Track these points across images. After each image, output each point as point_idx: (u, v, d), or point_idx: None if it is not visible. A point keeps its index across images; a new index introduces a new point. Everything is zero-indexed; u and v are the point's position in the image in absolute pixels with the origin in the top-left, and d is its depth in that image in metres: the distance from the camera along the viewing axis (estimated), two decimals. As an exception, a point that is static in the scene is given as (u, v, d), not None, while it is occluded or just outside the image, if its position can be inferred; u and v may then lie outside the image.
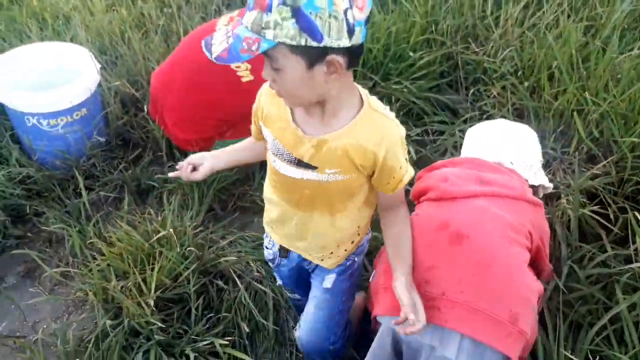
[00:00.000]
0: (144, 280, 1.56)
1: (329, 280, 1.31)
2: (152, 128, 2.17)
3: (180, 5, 2.66)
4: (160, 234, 1.65)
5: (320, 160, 1.06)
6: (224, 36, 0.98)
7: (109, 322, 1.53)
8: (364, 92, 1.06)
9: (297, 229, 1.22)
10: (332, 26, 0.84)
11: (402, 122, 2.10)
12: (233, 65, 1.82)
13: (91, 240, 1.68)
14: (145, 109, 2.16)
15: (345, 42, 0.87)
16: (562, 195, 1.77)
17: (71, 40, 2.51)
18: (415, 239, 1.21)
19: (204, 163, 1.28)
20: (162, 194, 1.98)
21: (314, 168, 1.07)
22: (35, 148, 2.02)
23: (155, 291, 1.54)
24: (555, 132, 1.96)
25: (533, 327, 1.19)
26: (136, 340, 1.56)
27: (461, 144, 2.02)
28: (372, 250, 1.47)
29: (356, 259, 1.31)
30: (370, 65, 2.29)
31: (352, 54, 0.91)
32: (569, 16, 2.32)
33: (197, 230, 1.78)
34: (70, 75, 2.07)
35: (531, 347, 1.26)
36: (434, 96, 2.27)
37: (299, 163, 1.08)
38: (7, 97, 1.97)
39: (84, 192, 1.85)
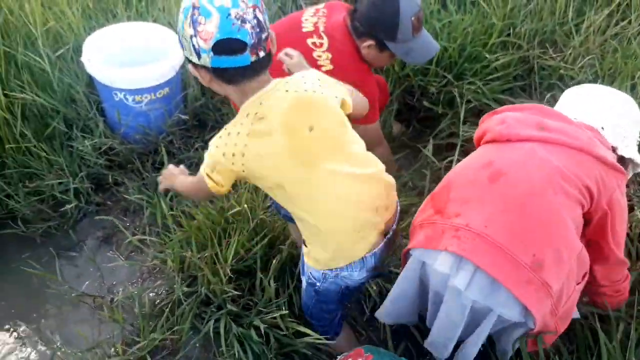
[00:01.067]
0: (220, 251, 1.64)
1: None
2: (227, 111, 2.26)
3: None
4: (235, 210, 1.73)
5: None
6: None
7: (185, 289, 1.62)
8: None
9: None
10: (184, 45, 1.14)
11: (472, 123, 2.14)
12: (315, 54, 1.87)
13: (172, 212, 1.77)
14: (223, 92, 2.25)
15: (195, 60, 1.14)
16: (635, 208, 1.74)
17: (154, 22, 2.62)
18: (458, 176, 1.24)
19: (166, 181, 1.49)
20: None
21: None
22: (121, 122, 2.14)
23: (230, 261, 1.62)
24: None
25: (566, 291, 1.15)
26: (206, 309, 1.65)
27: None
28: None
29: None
30: (444, 64, 2.29)
31: (216, 73, 1.15)
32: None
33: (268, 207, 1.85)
34: (157, 54, 2.17)
35: (567, 323, 1.22)
36: (507, 98, 2.25)
37: None
38: (97, 71, 2.09)
39: (167, 164, 1.93)
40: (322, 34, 1.88)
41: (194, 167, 2.15)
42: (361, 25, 1.83)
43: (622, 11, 2.40)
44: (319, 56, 1.87)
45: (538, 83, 2.31)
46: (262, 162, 1.17)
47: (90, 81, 2.25)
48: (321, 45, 1.87)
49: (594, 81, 2.16)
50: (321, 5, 2.03)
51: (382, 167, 1.32)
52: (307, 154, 1.19)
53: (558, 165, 1.18)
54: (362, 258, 1.27)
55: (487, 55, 2.25)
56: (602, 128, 1.31)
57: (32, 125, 2.14)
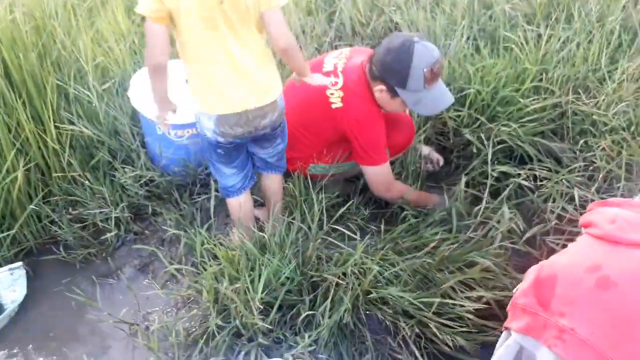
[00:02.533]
0: (252, 282, 1.68)
1: None
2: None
3: (297, 34, 2.85)
4: (265, 241, 1.78)
5: None
6: None
7: (219, 322, 1.66)
8: None
9: None
10: None
11: (503, 164, 2.17)
12: (328, 92, 1.95)
13: (206, 246, 1.83)
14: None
15: None
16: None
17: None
18: (564, 271, 1.19)
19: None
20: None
21: None
22: (162, 155, 2.23)
23: (261, 293, 1.65)
24: (668, 192, 1.91)
25: None
26: (237, 341, 1.68)
27: (566, 193, 2.04)
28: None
29: None
30: (477, 106, 2.34)
31: None
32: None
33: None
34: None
35: None
36: (540, 141, 2.27)
37: None
38: (143, 106, 2.19)
39: (212, 199, 2.00)
40: (339, 73, 1.97)
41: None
42: (376, 69, 1.90)
43: (656, 59, 2.41)
44: (332, 94, 1.95)
45: (571, 128, 2.33)
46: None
47: (135, 115, 2.36)
48: (336, 83, 1.95)
49: (628, 128, 2.17)
50: (347, 49, 2.12)
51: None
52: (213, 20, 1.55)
53: None
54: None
55: (520, 100, 2.29)
56: None
57: (78, 155, 2.25)
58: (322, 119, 2.01)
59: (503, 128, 2.23)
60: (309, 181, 2.04)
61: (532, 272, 1.26)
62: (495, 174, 2.13)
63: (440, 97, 1.95)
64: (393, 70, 1.86)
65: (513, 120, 2.28)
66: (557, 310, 1.16)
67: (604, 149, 2.15)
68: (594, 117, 2.28)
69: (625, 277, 1.13)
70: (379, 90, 1.93)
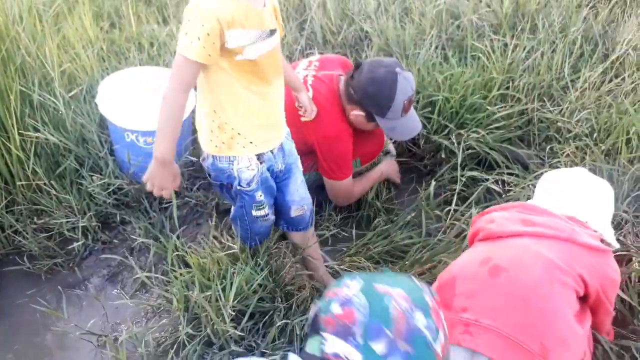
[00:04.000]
0: (224, 289, 1.66)
1: None
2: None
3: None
4: (235, 250, 1.77)
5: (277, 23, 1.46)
6: None
7: (189, 330, 1.63)
8: None
9: (276, 115, 1.56)
10: None
11: (470, 170, 2.21)
12: (297, 104, 1.94)
13: (178, 252, 1.80)
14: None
15: None
16: (634, 258, 1.79)
17: (166, 66, 2.72)
18: (461, 271, 1.35)
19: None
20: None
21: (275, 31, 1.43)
22: (131, 163, 2.19)
23: (233, 301, 1.63)
24: (629, 196, 1.98)
25: None
26: (208, 350, 1.66)
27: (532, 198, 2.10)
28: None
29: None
30: (446, 114, 2.38)
31: None
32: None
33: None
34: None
35: None
36: (507, 147, 2.32)
37: (270, 33, 1.41)
38: (111, 113, 2.16)
39: (174, 208, 1.97)
40: (309, 87, 1.97)
41: (199, 206, 2.20)
42: (355, 93, 1.92)
43: (616, 68, 2.50)
44: (300, 107, 1.95)
45: (537, 135, 2.39)
46: None
47: (102, 122, 2.32)
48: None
49: (590, 135, 2.24)
50: (315, 58, 2.13)
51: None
52: None
53: (550, 257, 1.28)
54: None
55: (488, 107, 2.34)
56: (586, 222, 1.43)
57: (44, 163, 2.19)
58: (292, 131, 2.01)
59: (472, 134, 2.28)
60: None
61: (435, 283, 1.41)
62: (464, 179, 2.18)
63: (413, 124, 2.03)
64: (375, 101, 1.91)
65: (481, 127, 2.33)
66: (459, 307, 1.27)
67: (568, 155, 2.21)
68: (559, 124, 2.35)
69: (511, 262, 1.30)
70: (355, 114, 1.96)
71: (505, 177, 2.19)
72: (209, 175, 1.64)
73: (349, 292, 0.81)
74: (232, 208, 1.72)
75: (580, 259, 1.30)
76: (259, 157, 1.56)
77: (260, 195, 1.61)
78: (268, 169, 1.60)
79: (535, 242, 1.32)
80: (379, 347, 0.76)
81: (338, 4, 3.08)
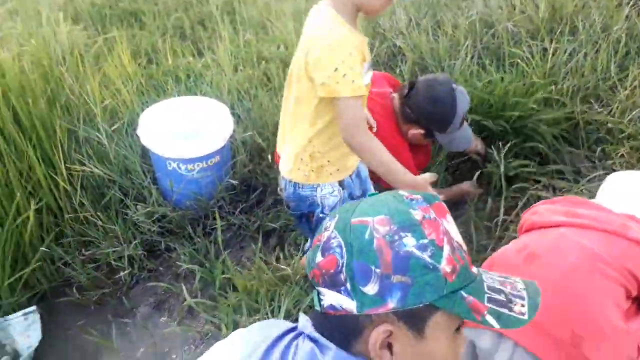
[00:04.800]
0: (272, 312, 1.62)
1: None
2: (274, 175, 2.31)
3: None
4: (285, 272, 1.73)
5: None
6: None
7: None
8: None
9: None
10: None
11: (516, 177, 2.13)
12: None
13: (226, 275, 1.78)
14: (269, 158, 2.31)
15: None
16: None
17: (203, 95, 2.76)
18: (499, 258, 1.32)
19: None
20: (283, 235, 2.08)
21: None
22: (174, 190, 2.21)
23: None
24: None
25: None
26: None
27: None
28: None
29: None
30: (489, 114, 2.31)
31: None
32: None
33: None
34: (207, 125, 2.28)
35: None
36: (557, 146, 2.23)
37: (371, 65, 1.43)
38: (152, 143, 2.19)
39: (219, 232, 1.96)
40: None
41: (242, 229, 2.18)
42: (413, 113, 1.92)
43: (666, 64, 2.38)
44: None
45: (585, 138, 2.28)
46: None
47: (144, 153, 2.36)
48: None
49: (646, 133, 2.13)
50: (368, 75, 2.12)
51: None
52: None
53: (591, 247, 1.21)
54: None
55: (534, 106, 2.27)
56: None
57: (90, 195, 2.23)
58: None
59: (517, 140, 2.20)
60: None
61: None
62: (512, 187, 2.09)
63: (468, 134, 2.05)
64: (437, 119, 1.92)
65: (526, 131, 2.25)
66: None
67: (622, 155, 2.10)
68: (609, 125, 2.24)
69: (547, 249, 1.24)
70: (413, 132, 1.96)
71: (556, 183, 2.09)
72: (288, 206, 1.63)
73: (327, 234, 0.70)
74: (309, 242, 1.70)
75: (630, 255, 1.20)
76: (341, 183, 1.56)
77: None
78: (349, 195, 1.59)
79: (576, 232, 1.25)
80: (370, 288, 0.65)
81: (368, 23, 3.08)
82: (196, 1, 4.19)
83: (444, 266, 0.66)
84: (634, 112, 2.19)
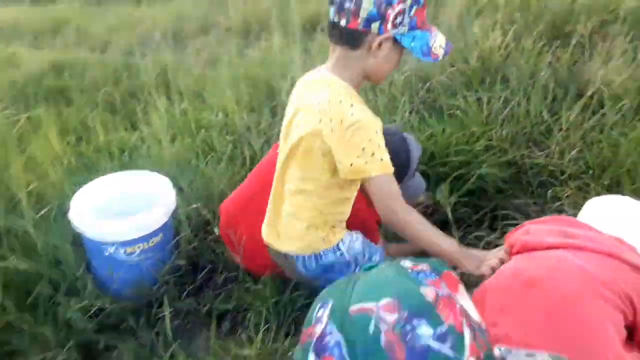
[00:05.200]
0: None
1: None
2: (221, 250, 2.16)
3: (243, 132, 2.79)
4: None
5: None
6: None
7: None
8: None
9: None
10: None
11: (475, 229, 2.10)
12: None
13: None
14: (216, 232, 2.17)
15: None
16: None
17: (139, 170, 2.61)
18: (493, 284, 1.23)
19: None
20: (237, 316, 1.92)
21: None
22: (112, 279, 2.01)
23: None
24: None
25: None
26: None
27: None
28: None
29: None
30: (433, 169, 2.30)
31: None
32: (630, 120, 2.32)
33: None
34: (146, 202, 2.12)
35: None
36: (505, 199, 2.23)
37: None
38: (87, 227, 2.00)
39: (167, 321, 1.77)
40: None
41: (191, 315, 2.00)
42: None
43: (593, 105, 2.48)
44: None
45: (527, 182, 2.31)
46: None
47: (77, 239, 2.15)
48: None
49: (586, 172, 2.17)
50: None
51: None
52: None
53: (591, 270, 1.14)
54: None
55: (476, 158, 2.28)
56: (635, 248, 1.27)
57: (13, 294, 1.98)
58: None
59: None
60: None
61: None
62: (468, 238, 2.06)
63: (421, 182, 2.03)
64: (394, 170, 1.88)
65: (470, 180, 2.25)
66: (489, 322, 1.10)
67: (568, 196, 2.12)
68: (550, 167, 2.28)
69: (547, 274, 1.16)
70: None
71: (507, 229, 2.07)
72: (311, 283, 1.57)
73: (320, 328, 0.58)
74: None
75: (626, 278, 1.14)
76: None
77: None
78: None
79: (575, 255, 1.18)
80: None
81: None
82: (127, 74, 4.09)
83: (468, 353, 0.55)
84: (572, 153, 2.25)
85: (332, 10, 1.31)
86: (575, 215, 1.98)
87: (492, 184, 2.27)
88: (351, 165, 1.28)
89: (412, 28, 1.28)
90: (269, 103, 3.07)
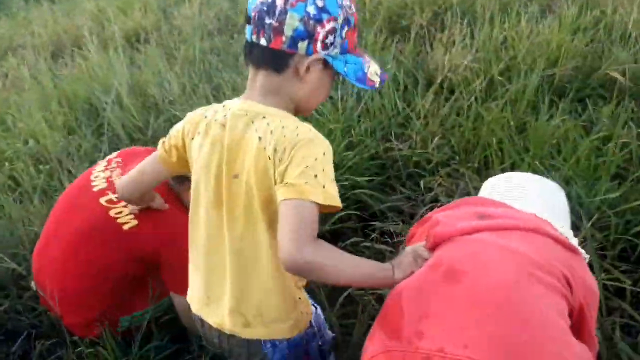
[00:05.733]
0: None
1: None
2: (42, 310, 1.65)
3: (60, 158, 2.26)
4: None
5: None
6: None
7: None
8: None
9: None
10: None
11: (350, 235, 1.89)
12: (112, 212, 1.50)
13: None
14: (33, 286, 1.65)
15: None
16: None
17: None
18: (407, 286, 0.96)
19: None
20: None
21: None
22: None
23: None
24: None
25: None
26: None
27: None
28: None
29: None
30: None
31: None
32: (483, 100, 2.32)
33: None
34: None
35: None
36: (373, 194, 2.05)
37: None
38: None
39: None
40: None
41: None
42: None
43: (445, 92, 2.46)
44: (119, 213, 1.50)
45: (397, 177, 2.18)
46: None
47: None
48: (119, 201, 1.49)
49: (453, 157, 2.10)
50: (114, 155, 1.70)
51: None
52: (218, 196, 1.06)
53: (521, 250, 0.94)
54: None
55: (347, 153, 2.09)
56: (549, 221, 1.09)
57: None
58: (112, 250, 1.49)
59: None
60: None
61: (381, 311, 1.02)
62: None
63: None
64: None
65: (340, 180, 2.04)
66: (412, 333, 0.88)
67: (441, 184, 2.02)
68: (415, 158, 2.17)
69: (472, 261, 0.94)
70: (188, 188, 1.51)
71: (392, 228, 1.90)
72: None
73: None
74: None
75: (557, 255, 0.96)
76: None
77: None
78: None
79: (498, 235, 0.97)
80: None
81: (137, 98, 2.65)
82: None
83: None
84: (434, 140, 2.16)
85: (248, 29, 1.04)
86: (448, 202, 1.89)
87: (360, 184, 2.09)
88: (287, 184, 0.95)
89: (343, 51, 1.04)
90: (92, 123, 2.57)
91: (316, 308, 1.20)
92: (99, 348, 1.43)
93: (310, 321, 1.15)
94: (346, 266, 0.99)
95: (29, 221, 1.90)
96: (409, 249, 1.06)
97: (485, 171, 1.97)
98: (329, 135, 2.25)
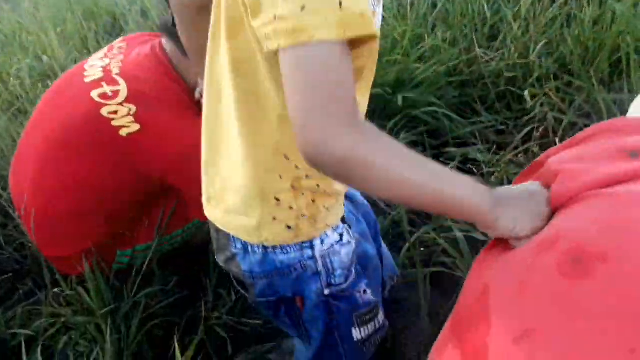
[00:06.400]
0: None
1: None
2: (29, 241, 1.30)
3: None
4: None
5: None
6: None
7: None
8: None
9: None
10: None
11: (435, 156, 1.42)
12: (104, 111, 1.10)
13: None
14: (17, 215, 1.30)
15: None
16: None
17: None
18: (490, 280, 0.58)
19: None
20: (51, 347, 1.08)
21: None
22: None
23: None
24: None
25: None
26: None
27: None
28: None
29: None
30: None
31: None
32: None
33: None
34: None
35: None
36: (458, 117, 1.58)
37: None
38: None
39: None
40: (117, 78, 1.14)
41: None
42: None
43: None
44: (114, 112, 1.10)
45: (482, 96, 1.69)
46: None
47: None
48: (115, 94, 1.11)
49: (563, 69, 1.58)
50: (117, 40, 1.29)
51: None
52: None
53: None
54: None
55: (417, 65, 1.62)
56: None
57: None
58: (104, 163, 1.12)
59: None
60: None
61: None
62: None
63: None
64: None
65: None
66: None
67: (543, 104, 1.51)
68: (507, 74, 1.66)
69: (615, 241, 0.51)
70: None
71: (478, 156, 1.42)
72: (248, 289, 0.77)
73: None
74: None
75: None
76: (343, 218, 0.79)
77: (364, 291, 0.79)
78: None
79: None
80: None
81: (164, 13, 2.25)
82: None
83: None
84: (538, 47, 1.63)
85: None
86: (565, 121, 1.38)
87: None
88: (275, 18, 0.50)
89: None
90: (112, 38, 2.19)
91: (348, 243, 0.75)
92: (81, 290, 1.04)
93: (311, 258, 0.73)
94: (412, 169, 0.55)
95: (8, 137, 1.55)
96: (522, 186, 0.61)
97: (617, 82, 1.43)
98: (393, 47, 1.77)
